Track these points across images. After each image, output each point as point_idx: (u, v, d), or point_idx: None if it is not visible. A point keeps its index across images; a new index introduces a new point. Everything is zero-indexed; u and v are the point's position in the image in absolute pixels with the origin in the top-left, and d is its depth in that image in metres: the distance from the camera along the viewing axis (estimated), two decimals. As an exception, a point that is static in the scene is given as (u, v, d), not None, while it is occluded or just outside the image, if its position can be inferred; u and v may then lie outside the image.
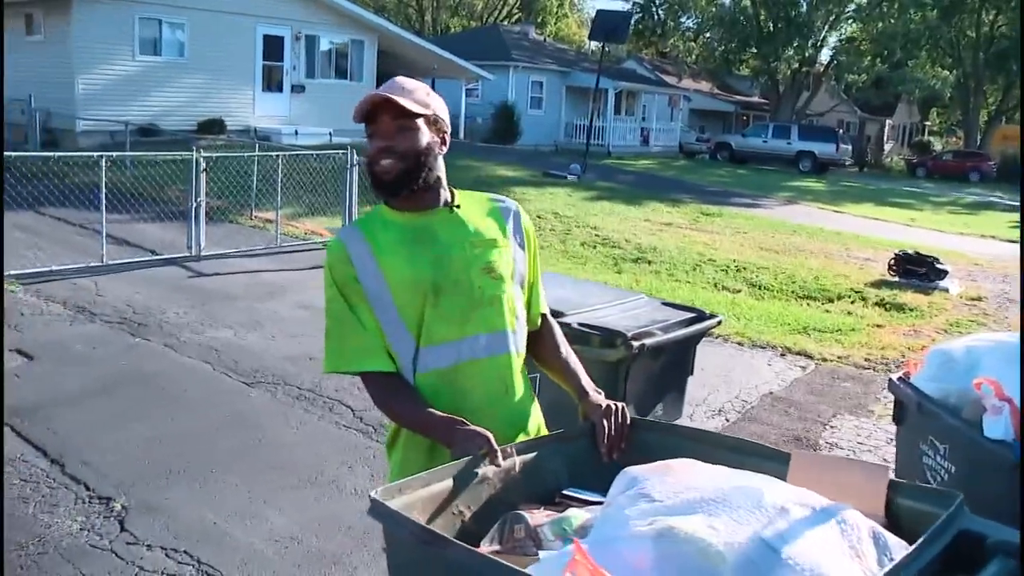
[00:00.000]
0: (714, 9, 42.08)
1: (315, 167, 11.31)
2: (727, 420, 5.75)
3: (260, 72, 20.74)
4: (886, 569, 1.33)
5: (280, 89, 21.21)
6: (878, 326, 8.83)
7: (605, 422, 1.99)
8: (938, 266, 11.35)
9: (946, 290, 11.01)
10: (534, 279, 2.25)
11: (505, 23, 47.96)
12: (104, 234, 8.66)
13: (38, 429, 4.78)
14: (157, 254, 9.13)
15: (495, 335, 2.07)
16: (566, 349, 2.28)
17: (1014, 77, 44.05)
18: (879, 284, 11.01)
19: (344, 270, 2.04)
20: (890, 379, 2.90)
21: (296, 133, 18.97)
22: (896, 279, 11.30)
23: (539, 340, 2.27)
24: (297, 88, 21.36)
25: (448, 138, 2.13)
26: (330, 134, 19.27)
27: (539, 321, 2.28)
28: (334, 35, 22.34)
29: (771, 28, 40.25)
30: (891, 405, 6.27)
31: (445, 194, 2.12)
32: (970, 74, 44.39)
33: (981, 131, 46.92)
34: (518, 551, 1.60)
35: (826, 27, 41.79)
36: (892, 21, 39.70)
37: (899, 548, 1.46)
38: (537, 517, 1.68)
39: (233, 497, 4.19)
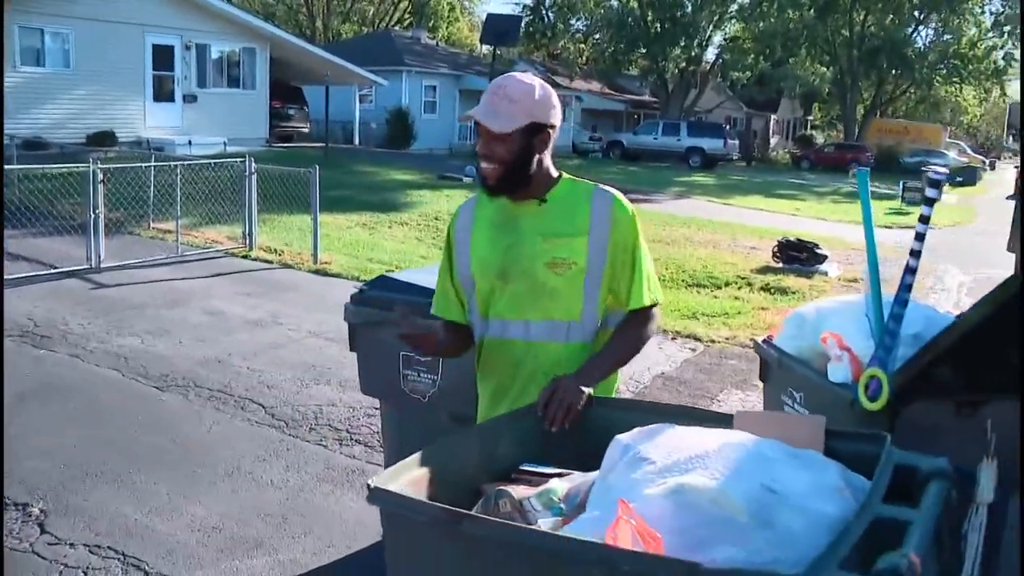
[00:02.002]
0: (602, 11, 42.95)
1: (212, 176, 11.32)
2: (623, 400, 6.11)
3: (150, 82, 20.43)
4: (862, 500, 1.50)
5: (172, 99, 20.93)
6: (763, 308, 9.37)
7: (545, 395, 2.06)
8: (818, 251, 12.06)
9: (825, 273, 11.71)
10: (622, 268, 2.30)
11: (397, 28, 47.93)
12: (-2, 250, 8.54)
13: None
14: (55, 268, 9.03)
15: (551, 323, 2.29)
16: (618, 341, 2.32)
17: (885, 73, 46.41)
18: (764, 270, 11.62)
19: (451, 232, 2.44)
20: (755, 341, 3.28)
21: (190, 143, 18.79)
22: (780, 265, 11.95)
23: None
24: (189, 98, 21.10)
25: (555, 134, 2.29)
26: (224, 143, 19.15)
27: (634, 308, 2.34)
28: (225, 43, 22.15)
29: (658, 29, 41.33)
30: (772, 379, 6.79)
31: (546, 185, 2.31)
32: (846, 71, 46.54)
33: (858, 124, 49.18)
34: None
35: (710, 27, 43.16)
36: (772, 20, 41.33)
37: (861, 481, 1.60)
38: (520, 491, 1.74)
39: (153, 495, 4.31)
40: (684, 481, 1.46)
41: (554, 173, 2.34)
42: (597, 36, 44.83)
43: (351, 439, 5.16)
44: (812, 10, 41.77)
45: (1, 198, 7.34)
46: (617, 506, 1.40)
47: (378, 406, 5.48)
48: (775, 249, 12.34)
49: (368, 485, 1.60)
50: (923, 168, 29.70)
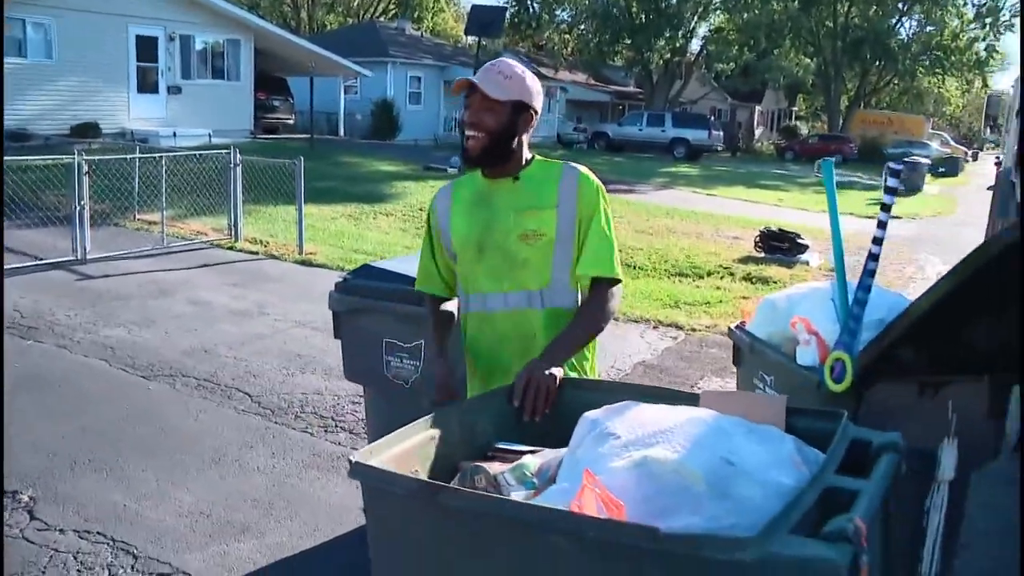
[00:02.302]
0: (587, 2, 42.96)
1: (198, 168, 11.34)
2: (604, 387, 6.21)
3: (134, 73, 20.36)
4: (815, 471, 1.59)
5: (156, 90, 20.88)
6: (744, 298, 9.47)
7: (519, 384, 2.13)
8: (800, 241, 12.19)
9: (807, 263, 11.84)
10: (583, 235, 2.42)
11: (382, 19, 47.81)
12: (-17, 241, 8.56)
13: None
14: (41, 259, 9.06)
15: (525, 292, 2.44)
16: (579, 318, 2.40)
17: (868, 64, 46.65)
18: (746, 260, 11.74)
19: (431, 217, 2.60)
20: (729, 328, 3.38)
21: (175, 135, 18.74)
22: (762, 255, 12.08)
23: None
24: (173, 89, 21.05)
25: (536, 120, 2.45)
26: (209, 135, 19.10)
27: (585, 284, 2.44)
28: (209, 35, 22.09)
29: (643, 19, 41.37)
30: (752, 366, 6.89)
31: (520, 165, 2.47)
32: (830, 62, 46.74)
33: (842, 115, 49.44)
34: None
35: (695, 18, 43.22)
36: (756, 11, 41.41)
37: (816, 455, 1.68)
38: (494, 467, 1.82)
39: (141, 482, 4.37)
40: (647, 454, 1.54)
41: (528, 154, 2.50)
42: (582, 27, 44.82)
43: (336, 426, 5.24)
44: (796, 1, 41.95)
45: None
46: (583, 478, 1.49)
47: (362, 393, 5.60)
48: (757, 239, 12.47)
49: (350, 460, 1.67)
50: (905, 159, 29.97)
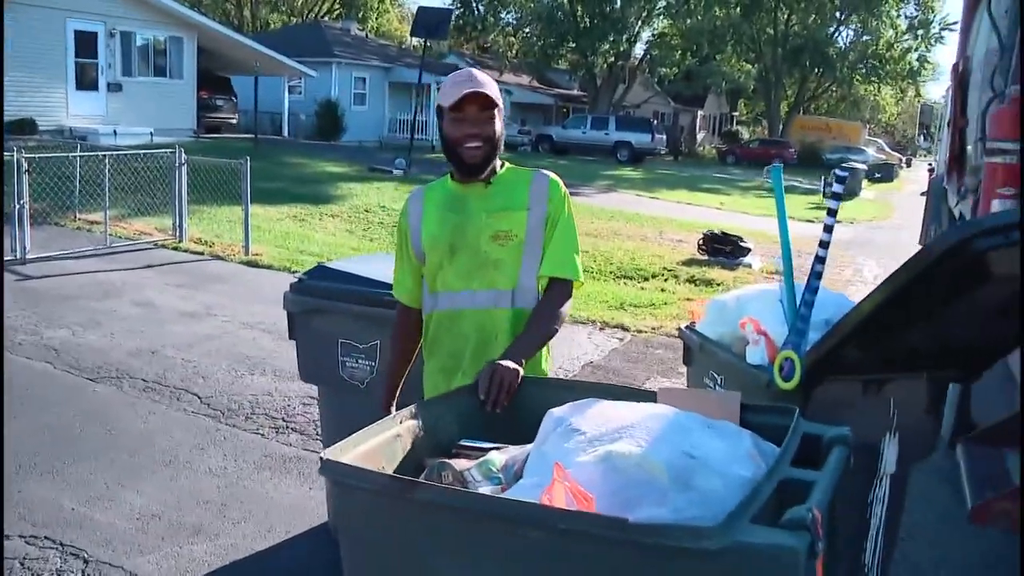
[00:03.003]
0: (532, 5, 43.16)
1: (141, 167, 11.17)
2: (554, 388, 6.28)
3: (73, 69, 19.91)
4: (771, 464, 1.66)
5: (95, 87, 20.44)
6: (689, 299, 9.63)
7: (484, 377, 2.17)
8: (742, 244, 12.42)
9: (749, 265, 12.08)
10: (547, 242, 2.50)
11: (326, 19, 47.44)
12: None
13: None
14: (-24, 259, 8.86)
15: (495, 292, 2.49)
16: (536, 319, 2.45)
17: (807, 71, 47.64)
18: (690, 262, 11.94)
19: (403, 220, 2.63)
20: (679, 328, 3.46)
21: (115, 133, 18.39)
22: (705, 257, 12.29)
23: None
24: (114, 87, 20.65)
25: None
26: (151, 134, 18.82)
27: (544, 284, 2.51)
28: (151, 31, 21.72)
29: (588, 23, 41.70)
30: (697, 367, 7.02)
31: (493, 170, 2.52)
32: (770, 68, 47.61)
33: (782, 121, 50.39)
34: None
35: (639, 22, 43.68)
36: (699, 18, 42.02)
37: (771, 448, 1.75)
38: (460, 463, 1.85)
39: (90, 485, 4.32)
40: (612, 448, 1.60)
41: (498, 161, 2.56)
42: (527, 30, 45.02)
43: (287, 428, 5.23)
44: (738, 8, 42.70)
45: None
46: (552, 472, 1.54)
47: (314, 395, 5.59)
48: (700, 242, 12.68)
49: (321, 457, 1.69)
50: (844, 164, 30.64)
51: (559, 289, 2.51)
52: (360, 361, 3.56)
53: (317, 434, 5.11)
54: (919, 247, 2.98)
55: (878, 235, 17.85)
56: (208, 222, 11.84)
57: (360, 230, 13.01)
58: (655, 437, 1.65)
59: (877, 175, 37.20)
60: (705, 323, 3.29)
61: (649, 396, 2.05)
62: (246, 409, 5.46)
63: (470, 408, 2.17)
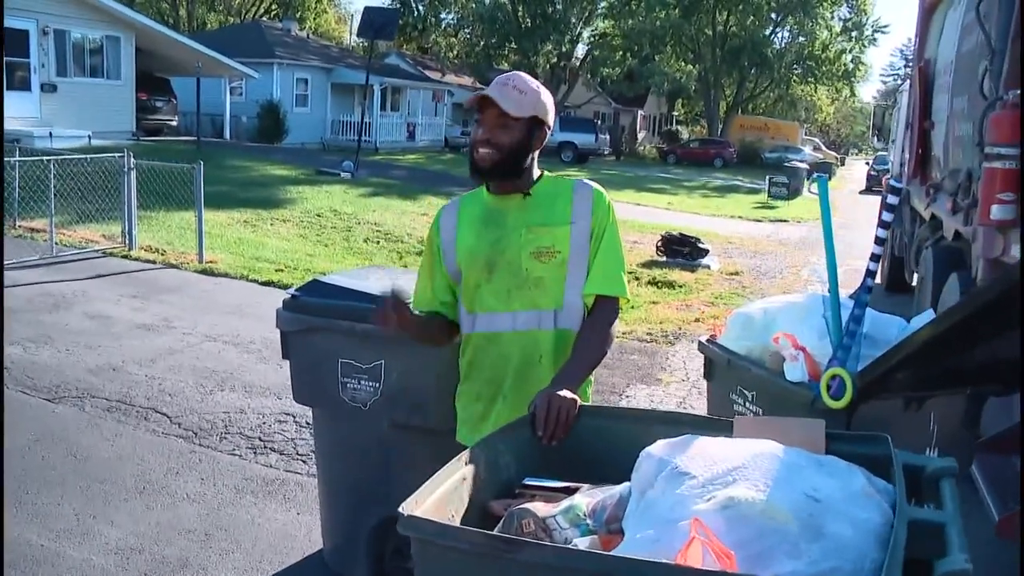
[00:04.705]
0: (473, 5, 43.00)
1: (85, 172, 10.72)
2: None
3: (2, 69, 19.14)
4: (891, 503, 1.52)
5: (28, 88, 19.69)
6: (654, 303, 9.59)
7: (541, 409, 2.01)
8: (700, 246, 12.43)
9: (708, 267, 12.09)
10: (594, 257, 2.33)
11: (265, 19, 46.66)
12: None
13: None
14: (-87, 271, 8.39)
15: (537, 312, 2.31)
16: (585, 342, 2.29)
17: (746, 72, 48.32)
18: (649, 264, 11.90)
19: (434, 235, 2.46)
20: (700, 341, 3.33)
21: (51, 136, 17.69)
22: (664, 259, 12.26)
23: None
24: (48, 87, 19.90)
25: (548, 136, 2.37)
26: (89, 136, 18.20)
27: (590, 303, 2.34)
28: (86, 30, 21.00)
29: (529, 24, 41.71)
30: (675, 372, 6.93)
31: (531, 181, 2.37)
32: (709, 68, 48.12)
33: (721, 120, 51.01)
34: None
35: (580, 23, 43.85)
36: (640, 19, 42.34)
37: (883, 484, 1.60)
38: (541, 509, 1.68)
39: (58, 517, 4.02)
40: (732, 495, 1.45)
41: (537, 171, 2.42)
42: (468, 30, 44.85)
43: (265, 447, 4.99)
44: (677, 9, 43.04)
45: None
46: (670, 524, 1.39)
47: (289, 411, 5.38)
48: (659, 244, 12.65)
49: (400, 513, 1.52)
50: (786, 164, 31.08)
51: (606, 308, 2.35)
52: (363, 382, 3.36)
53: (297, 453, 4.89)
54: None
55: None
56: (158, 229, 11.43)
57: (314, 235, 12.70)
58: (772, 478, 1.51)
59: (816, 173, 37.78)
60: (729, 337, 3.16)
61: (724, 425, 1.91)
62: (219, 428, 5.20)
63: (527, 442, 2.01)
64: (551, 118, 2.37)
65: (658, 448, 1.67)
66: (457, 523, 1.70)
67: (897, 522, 1.45)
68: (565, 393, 2.05)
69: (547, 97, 2.36)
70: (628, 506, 1.59)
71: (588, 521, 1.64)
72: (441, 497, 1.68)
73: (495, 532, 1.66)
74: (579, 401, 2.07)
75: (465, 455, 1.84)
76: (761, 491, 1.46)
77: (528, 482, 1.91)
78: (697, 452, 1.62)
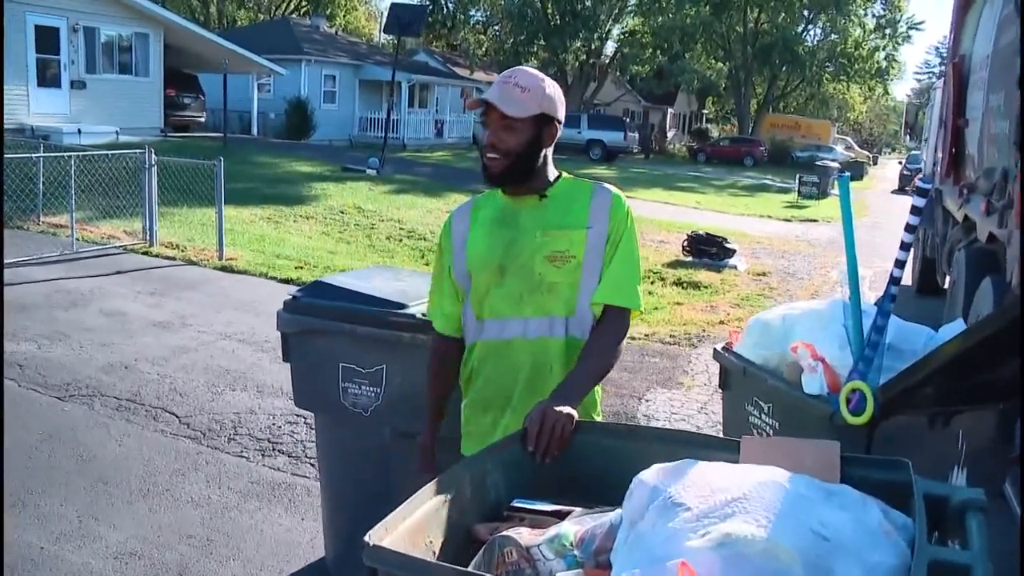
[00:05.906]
0: (502, 2, 42.88)
1: (108, 168, 10.72)
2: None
3: (34, 66, 19.27)
4: (909, 541, 1.37)
5: (58, 85, 19.81)
6: (678, 304, 9.41)
7: (534, 424, 1.88)
8: (727, 245, 12.22)
9: (735, 267, 11.88)
10: (607, 264, 2.20)
11: (294, 16, 46.81)
12: None
13: None
14: (-66, 266, 8.40)
15: (548, 319, 2.19)
16: (590, 354, 2.16)
17: (777, 69, 47.77)
18: (675, 264, 11.72)
19: (444, 240, 2.35)
20: (715, 349, 3.19)
21: (79, 132, 17.79)
22: (690, 259, 12.07)
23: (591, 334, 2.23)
24: (77, 84, 20.03)
25: (559, 130, 2.23)
26: (117, 132, 18.29)
27: (598, 312, 2.21)
28: (116, 27, 21.12)
29: (558, 21, 41.52)
30: (698, 376, 6.76)
31: (547, 181, 2.25)
32: (740, 66, 47.64)
33: (752, 119, 50.51)
34: None
35: (610, 20, 43.61)
36: (670, 16, 41.99)
37: (901, 518, 1.46)
38: (525, 537, 1.56)
39: (60, 518, 3.96)
40: (729, 531, 1.29)
41: (554, 171, 2.29)
42: (497, 27, 44.75)
43: (273, 449, 4.89)
44: (708, 6, 42.61)
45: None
46: (659, 562, 1.25)
47: (300, 413, 5.27)
48: (685, 243, 12.46)
49: (365, 542, 1.39)
50: (817, 163, 30.66)
51: (616, 318, 2.20)
52: (363, 387, 3.24)
53: (306, 456, 4.79)
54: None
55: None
56: (179, 225, 11.40)
57: (336, 232, 12.64)
58: (775, 512, 1.35)
59: (848, 173, 37.26)
60: (746, 344, 3.01)
61: (730, 445, 1.76)
62: (228, 429, 5.11)
63: (518, 460, 1.86)
64: (561, 112, 2.22)
65: (651, 474, 1.51)
66: (436, 549, 1.58)
67: (915, 565, 1.30)
68: (562, 407, 1.91)
69: (553, 90, 2.21)
70: (618, 537, 1.45)
71: (575, 552, 1.50)
72: (418, 521, 1.54)
73: (473, 563, 1.53)
74: (576, 416, 1.93)
75: (447, 474, 1.71)
76: (763, 527, 1.30)
77: (517, 503, 1.76)
78: (694, 480, 1.46)
